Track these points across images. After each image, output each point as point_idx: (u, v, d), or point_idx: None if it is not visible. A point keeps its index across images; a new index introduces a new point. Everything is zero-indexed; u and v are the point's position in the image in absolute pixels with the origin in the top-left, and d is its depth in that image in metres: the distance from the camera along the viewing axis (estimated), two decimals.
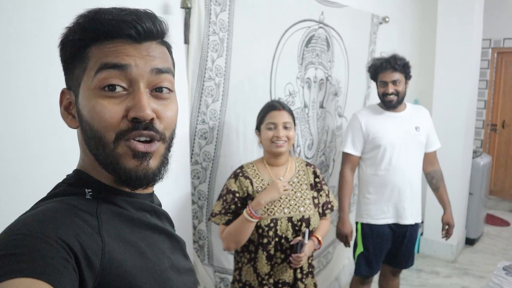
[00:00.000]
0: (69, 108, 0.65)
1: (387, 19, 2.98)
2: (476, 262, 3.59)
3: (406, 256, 2.35)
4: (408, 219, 2.24)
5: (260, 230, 1.59)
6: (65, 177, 0.68)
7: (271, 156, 1.69)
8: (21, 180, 1.16)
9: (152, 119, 0.61)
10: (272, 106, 1.67)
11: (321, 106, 2.48)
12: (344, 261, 3.03)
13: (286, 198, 1.65)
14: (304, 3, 2.18)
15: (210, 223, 1.86)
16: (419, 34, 3.74)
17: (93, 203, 0.62)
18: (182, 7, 1.58)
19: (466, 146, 3.59)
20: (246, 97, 1.90)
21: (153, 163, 0.62)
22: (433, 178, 2.40)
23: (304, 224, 1.65)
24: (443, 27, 3.45)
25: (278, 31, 2.03)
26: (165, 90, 0.64)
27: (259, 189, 1.63)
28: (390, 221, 2.24)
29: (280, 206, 1.63)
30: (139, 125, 0.60)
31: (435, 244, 3.63)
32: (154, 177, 0.63)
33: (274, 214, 1.62)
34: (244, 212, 1.54)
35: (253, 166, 1.70)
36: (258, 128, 1.71)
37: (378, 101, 2.29)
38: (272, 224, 1.60)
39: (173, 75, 0.66)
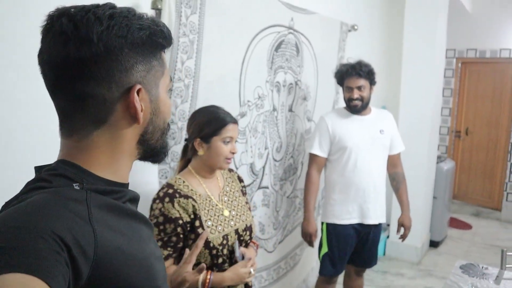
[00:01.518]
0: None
1: (355, 27, 3.07)
2: (439, 263, 3.72)
3: (369, 255, 2.42)
4: (372, 219, 2.31)
5: (214, 251, 1.44)
6: (45, 167, 0.66)
7: (209, 170, 1.53)
8: (18, 179, 1.14)
9: None
10: (229, 119, 1.51)
11: (290, 110, 2.52)
12: (312, 263, 3.08)
13: (229, 210, 1.55)
14: (274, 9, 2.22)
15: None
16: (386, 42, 3.87)
17: (82, 193, 0.62)
18: (153, 8, 1.59)
19: (430, 151, 3.72)
20: (215, 99, 1.91)
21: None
22: (393, 180, 2.49)
23: (247, 233, 1.57)
24: (409, 36, 3.59)
25: (248, 34, 2.07)
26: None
27: (202, 207, 1.46)
28: (354, 221, 2.30)
29: (225, 220, 1.51)
30: None
31: (400, 247, 3.74)
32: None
33: (224, 230, 1.48)
34: (200, 279, 1.33)
35: (184, 182, 1.49)
36: (205, 139, 1.49)
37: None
38: (224, 242, 1.47)
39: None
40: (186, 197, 1.44)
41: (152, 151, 0.74)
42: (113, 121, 0.66)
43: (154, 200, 1.43)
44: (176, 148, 1.78)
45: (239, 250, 1.50)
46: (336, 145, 2.28)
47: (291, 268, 2.77)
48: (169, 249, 1.40)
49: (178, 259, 1.42)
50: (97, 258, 0.57)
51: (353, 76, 2.23)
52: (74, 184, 0.63)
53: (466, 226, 4.77)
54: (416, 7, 3.53)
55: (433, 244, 4.08)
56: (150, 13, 1.59)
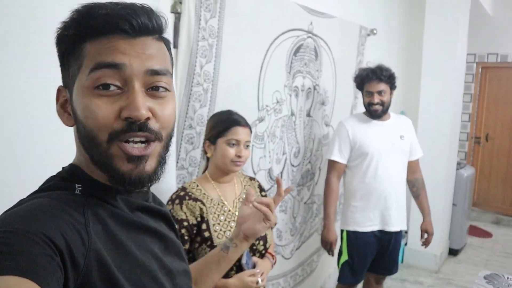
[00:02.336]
0: (65, 106, 0.64)
1: (375, 31, 3.03)
2: (458, 272, 3.63)
3: (390, 263, 2.37)
4: (394, 226, 2.27)
5: None
6: (60, 169, 0.67)
7: (222, 174, 1.53)
8: (18, 179, 1.15)
9: (147, 119, 0.59)
10: (237, 121, 1.51)
11: (308, 115, 2.50)
12: (329, 269, 3.03)
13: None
14: (293, 13, 2.20)
15: None
16: (406, 47, 3.81)
17: (81, 199, 0.60)
18: (172, 12, 1.58)
19: (450, 158, 3.65)
20: (234, 103, 1.90)
21: (149, 165, 0.61)
22: (413, 186, 2.45)
23: (261, 242, 1.53)
24: (429, 41, 3.52)
25: (267, 39, 2.05)
26: (161, 89, 0.62)
27: (212, 211, 1.46)
28: (376, 228, 2.26)
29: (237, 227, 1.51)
30: (133, 125, 0.58)
31: (419, 254, 3.66)
32: (149, 179, 0.62)
33: None
34: None
35: (198, 186, 1.50)
36: (212, 140, 1.51)
37: (364, 110, 2.33)
38: None
39: (171, 75, 0.65)
40: (195, 200, 1.44)
41: (96, 164, 0.62)
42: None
43: (167, 202, 1.46)
44: (194, 153, 1.77)
45: (250, 258, 1.46)
46: (357, 151, 2.24)
47: (308, 275, 2.74)
48: None
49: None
50: (87, 268, 0.54)
51: (374, 80, 2.19)
52: (76, 186, 0.61)
53: (486, 234, 4.66)
54: (437, 11, 3.47)
55: (452, 252, 3.99)
56: (170, 16, 1.59)
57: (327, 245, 2.26)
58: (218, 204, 1.49)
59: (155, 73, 0.61)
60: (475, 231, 4.66)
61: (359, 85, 2.31)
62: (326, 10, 2.47)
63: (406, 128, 2.33)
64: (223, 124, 1.49)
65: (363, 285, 2.52)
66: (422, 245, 2.44)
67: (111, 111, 0.58)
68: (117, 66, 0.58)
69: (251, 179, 1.70)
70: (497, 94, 5.22)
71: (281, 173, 2.32)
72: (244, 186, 1.62)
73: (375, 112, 2.22)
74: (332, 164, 2.30)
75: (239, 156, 1.47)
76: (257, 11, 1.96)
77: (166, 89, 0.63)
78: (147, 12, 0.61)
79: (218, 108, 1.82)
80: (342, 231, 2.33)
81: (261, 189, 1.68)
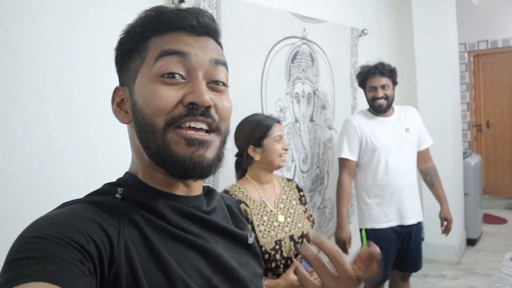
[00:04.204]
0: (121, 105, 0.65)
1: (366, 31, 3.07)
2: (480, 261, 3.60)
3: (415, 257, 2.35)
4: (411, 219, 2.26)
5: (267, 256, 1.47)
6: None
7: (266, 174, 1.60)
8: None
9: (209, 106, 0.60)
10: (274, 119, 1.61)
11: (311, 120, 2.51)
12: None
13: (285, 217, 1.58)
14: (286, 21, 2.24)
15: None
16: (398, 44, 3.85)
17: (120, 204, 0.59)
18: None
19: (456, 147, 3.65)
20: (240, 116, 1.91)
21: (209, 153, 0.60)
22: (427, 175, 2.44)
23: (304, 240, 1.58)
24: (420, 35, 3.57)
25: (264, 48, 2.08)
26: (220, 83, 0.64)
27: (255, 212, 1.52)
28: (394, 223, 2.24)
29: (279, 226, 1.54)
30: (195, 110, 0.59)
31: (437, 248, 3.63)
32: (208, 168, 0.60)
33: (277, 235, 1.52)
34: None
35: (240, 188, 1.56)
36: (258, 144, 1.57)
37: (366, 108, 2.34)
38: (277, 247, 1.50)
39: (228, 71, 0.67)
40: (239, 202, 1.49)
41: (152, 157, 0.60)
42: (128, 125, 0.66)
43: None
44: None
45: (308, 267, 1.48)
46: (365, 147, 2.24)
47: None
48: None
49: None
50: (114, 278, 0.53)
51: (376, 75, 2.21)
52: (118, 190, 0.61)
53: (501, 220, 4.63)
54: (423, 5, 3.52)
55: (470, 242, 3.96)
56: None
57: (341, 244, 2.24)
58: (261, 205, 1.55)
59: (217, 62, 0.63)
60: (489, 219, 4.63)
61: (361, 82, 2.33)
62: (317, 15, 2.51)
63: (412, 119, 2.34)
64: (264, 126, 1.58)
65: (389, 285, 2.49)
66: (442, 233, 2.42)
67: (174, 96, 0.59)
68: (183, 54, 0.60)
69: (289, 180, 1.75)
70: (492, 80, 5.26)
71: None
72: (283, 187, 1.67)
73: (380, 106, 2.23)
74: (343, 162, 2.29)
75: (285, 149, 1.59)
76: (252, 23, 1.99)
77: (224, 84, 0.65)
78: (210, 15, 0.65)
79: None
80: (360, 230, 2.30)
81: (299, 189, 1.73)
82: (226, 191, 1.54)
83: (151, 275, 0.56)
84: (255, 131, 1.58)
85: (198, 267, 0.61)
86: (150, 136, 0.59)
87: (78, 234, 0.51)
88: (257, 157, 1.57)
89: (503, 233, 4.24)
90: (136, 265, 0.55)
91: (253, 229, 1.49)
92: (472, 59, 5.29)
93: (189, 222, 0.63)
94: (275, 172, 1.67)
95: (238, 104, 1.90)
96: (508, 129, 5.21)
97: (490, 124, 5.34)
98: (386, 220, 2.24)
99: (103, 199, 0.59)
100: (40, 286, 0.45)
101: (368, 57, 3.01)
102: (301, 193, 1.73)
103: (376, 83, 2.22)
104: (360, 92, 3.05)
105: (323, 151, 2.66)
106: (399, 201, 2.23)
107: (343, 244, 2.23)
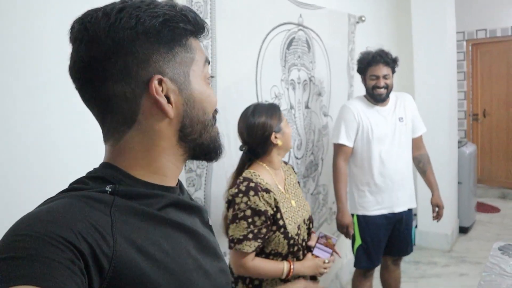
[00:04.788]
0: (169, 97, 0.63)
1: (363, 18, 3.05)
2: (471, 249, 3.65)
3: (405, 242, 2.38)
4: (402, 207, 2.29)
5: (292, 241, 1.51)
6: (91, 169, 0.65)
7: (280, 158, 1.62)
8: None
9: None
10: (274, 104, 1.65)
11: (307, 107, 2.51)
12: (342, 259, 3.04)
13: (295, 201, 1.61)
14: (282, 7, 2.22)
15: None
16: (396, 31, 3.84)
17: (110, 198, 0.58)
18: None
19: (451, 136, 3.66)
20: (234, 103, 1.92)
21: None
22: (420, 162, 2.46)
23: (310, 222, 1.64)
24: (418, 23, 3.55)
25: (259, 35, 2.07)
26: None
27: (280, 200, 1.52)
28: (385, 211, 2.27)
29: (295, 211, 1.58)
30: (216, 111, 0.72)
31: (430, 236, 3.68)
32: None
33: (297, 220, 1.56)
34: (285, 268, 1.47)
35: (259, 176, 1.53)
36: (277, 130, 1.55)
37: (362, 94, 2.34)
38: (299, 231, 1.55)
39: None
40: (267, 191, 1.48)
41: (199, 147, 0.68)
42: (143, 119, 0.62)
43: (236, 194, 1.46)
44: None
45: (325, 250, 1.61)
46: (361, 135, 2.25)
47: None
48: (259, 240, 1.43)
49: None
50: (114, 272, 0.52)
51: (379, 63, 2.19)
52: (107, 187, 0.59)
53: (493, 209, 4.68)
54: None
55: (463, 230, 4.01)
56: None
57: (343, 229, 2.25)
58: (280, 192, 1.55)
59: None
60: (482, 208, 4.67)
61: (362, 69, 2.29)
62: (314, 1, 2.49)
63: (406, 108, 2.33)
64: (277, 112, 1.58)
65: (380, 270, 2.52)
66: (434, 219, 2.45)
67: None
68: (209, 63, 0.70)
69: (285, 163, 1.76)
70: (489, 69, 5.25)
71: None
72: (285, 171, 1.69)
73: (380, 96, 2.22)
74: (339, 147, 2.28)
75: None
76: (248, 8, 1.97)
77: None
78: None
79: (220, 109, 1.82)
80: (352, 215, 2.33)
81: (295, 173, 1.77)
82: (248, 179, 1.49)
83: (150, 265, 0.57)
84: (272, 117, 1.55)
85: (188, 249, 0.64)
86: (206, 129, 0.68)
87: (69, 232, 0.50)
88: (279, 142, 1.55)
89: (495, 222, 4.29)
90: (134, 257, 0.55)
91: (282, 217, 1.49)
92: (470, 48, 5.28)
93: (175, 209, 0.67)
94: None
95: (232, 91, 1.90)
96: (504, 119, 5.22)
97: (487, 114, 5.35)
98: (377, 208, 2.26)
99: (93, 194, 0.58)
100: None
101: (366, 44, 3.00)
102: (297, 177, 1.77)
103: (378, 72, 2.20)
104: (357, 79, 3.06)
105: (318, 137, 2.67)
106: (391, 189, 2.25)
107: (346, 229, 2.25)
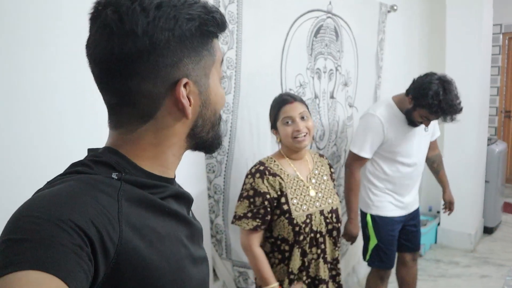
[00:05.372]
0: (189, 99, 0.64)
1: (395, 7, 2.95)
2: (495, 250, 3.54)
3: (419, 237, 2.43)
4: (414, 206, 2.35)
5: (297, 228, 1.53)
6: (91, 153, 0.64)
7: (293, 152, 1.62)
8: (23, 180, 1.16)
9: None
10: (284, 100, 1.59)
11: (332, 97, 2.46)
12: (359, 254, 3.00)
13: (316, 192, 1.62)
14: None
15: (227, 217, 1.86)
16: (428, 21, 3.69)
17: (116, 184, 0.58)
18: None
19: (480, 133, 3.54)
20: (257, 90, 1.89)
21: None
22: (434, 162, 2.49)
23: (334, 216, 1.63)
24: (453, 13, 3.40)
25: (286, 22, 2.02)
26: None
27: (289, 186, 1.56)
28: (401, 212, 2.27)
29: (311, 200, 1.59)
30: None
31: (452, 234, 3.59)
32: None
33: (308, 209, 1.57)
34: (273, 285, 1.51)
35: (275, 162, 1.60)
36: (274, 127, 1.62)
37: (391, 94, 2.23)
38: (308, 220, 1.56)
39: None
40: (274, 175, 1.55)
41: (204, 143, 0.70)
42: (160, 117, 0.62)
43: (246, 176, 1.58)
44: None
45: None
46: (384, 147, 2.16)
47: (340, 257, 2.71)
48: (257, 220, 1.51)
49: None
50: (118, 258, 0.52)
51: (438, 115, 1.98)
52: (113, 174, 0.59)
53: None
54: None
55: (487, 230, 3.89)
56: None
57: (351, 238, 2.21)
58: (294, 179, 1.60)
59: None
60: (510, 208, 4.52)
61: (421, 104, 1.98)
62: None
63: None
64: (274, 109, 1.61)
65: (396, 267, 2.46)
66: (444, 212, 2.56)
67: None
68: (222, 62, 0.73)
69: (321, 155, 1.78)
70: None
71: None
72: (316, 162, 1.71)
73: (417, 126, 2.12)
74: (358, 157, 2.16)
75: (297, 131, 1.54)
76: None
77: None
78: None
79: (242, 95, 1.80)
80: (366, 214, 2.28)
81: (330, 166, 1.79)
82: (262, 163, 1.59)
83: (152, 253, 0.58)
84: (270, 114, 1.63)
85: (181, 237, 0.66)
86: (215, 127, 0.70)
87: (79, 217, 0.49)
88: (278, 139, 1.63)
89: None
90: (138, 244, 0.56)
91: (287, 202, 1.54)
92: (507, 41, 5.05)
93: (172, 200, 0.68)
94: (308, 147, 1.72)
95: (256, 78, 1.88)
96: None
97: None
98: (391, 209, 2.25)
99: (101, 177, 0.58)
100: (36, 276, 0.43)
101: (396, 34, 2.90)
102: (332, 170, 1.77)
103: (432, 119, 2.05)
104: (385, 71, 2.97)
105: (341, 129, 2.61)
106: (407, 192, 2.26)
107: (354, 239, 2.23)
